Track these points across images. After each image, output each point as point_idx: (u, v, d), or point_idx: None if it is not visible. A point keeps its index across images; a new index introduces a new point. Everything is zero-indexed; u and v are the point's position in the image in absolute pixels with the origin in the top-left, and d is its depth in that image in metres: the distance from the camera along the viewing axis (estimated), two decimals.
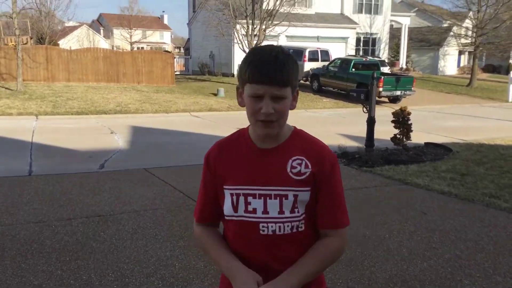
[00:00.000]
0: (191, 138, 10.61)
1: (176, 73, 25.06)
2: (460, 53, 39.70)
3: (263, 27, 20.65)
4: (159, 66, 22.17)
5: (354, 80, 18.16)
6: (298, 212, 1.47)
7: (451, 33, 33.78)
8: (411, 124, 8.36)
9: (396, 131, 8.47)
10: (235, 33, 21.28)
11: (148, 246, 4.20)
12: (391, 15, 31.73)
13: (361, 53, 29.31)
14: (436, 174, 7.04)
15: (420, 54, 37.44)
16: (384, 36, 31.50)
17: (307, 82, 21.43)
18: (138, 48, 52.69)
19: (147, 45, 61.32)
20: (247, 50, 20.56)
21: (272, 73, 1.40)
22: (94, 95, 17.00)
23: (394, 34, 33.70)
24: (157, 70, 22.15)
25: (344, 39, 28.88)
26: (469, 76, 29.05)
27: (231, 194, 1.50)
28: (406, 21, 32.83)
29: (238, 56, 24.75)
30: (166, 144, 9.81)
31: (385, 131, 9.07)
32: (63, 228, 4.63)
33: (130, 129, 11.64)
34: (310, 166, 1.48)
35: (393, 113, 8.42)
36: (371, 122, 8.64)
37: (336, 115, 15.47)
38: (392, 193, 6.14)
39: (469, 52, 39.98)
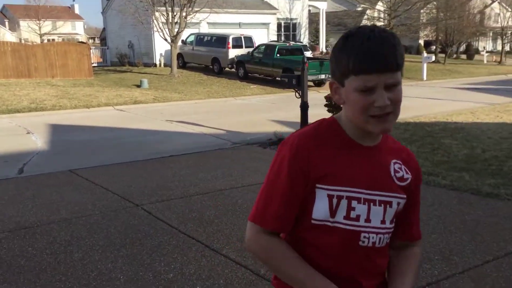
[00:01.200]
0: (118, 133, 9.99)
1: (93, 65, 23.69)
2: None
3: (184, 14, 20.03)
4: (74, 58, 20.78)
5: (280, 66, 18.18)
6: (393, 222, 1.33)
7: (365, 16, 35.07)
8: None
9: (329, 114, 8.47)
10: (154, 21, 20.45)
11: (86, 258, 3.77)
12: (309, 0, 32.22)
13: (282, 38, 29.52)
14: None
15: (338, 37, 38.37)
16: (303, 21, 31.94)
17: (233, 70, 21.18)
18: (49, 40, 49.40)
19: (59, 36, 57.70)
20: (168, 39, 19.90)
21: (384, 58, 1.17)
22: (4, 92, 15.57)
23: (313, 19, 34.30)
24: (72, 62, 20.75)
25: (266, 25, 28.89)
26: None
27: (330, 196, 1.24)
28: (323, 5, 33.50)
29: (159, 45, 23.89)
30: (90, 142, 9.14)
31: (316, 114, 9.00)
32: None
33: (49, 127, 10.74)
34: (409, 173, 1.34)
35: (325, 97, 8.42)
36: (304, 107, 8.60)
37: (266, 101, 15.40)
38: None
39: None
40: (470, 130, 9.24)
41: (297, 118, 8.81)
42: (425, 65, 23.42)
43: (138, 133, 9.92)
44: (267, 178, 1.29)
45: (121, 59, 26.64)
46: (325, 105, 8.40)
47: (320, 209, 1.24)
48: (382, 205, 1.27)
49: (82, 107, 13.81)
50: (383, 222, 1.27)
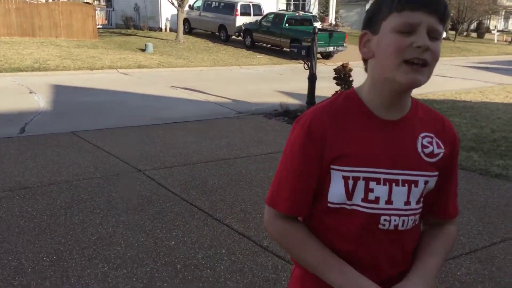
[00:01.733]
0: (121, 97, 9.85)
1: (98, 26, 23.31)
2: None
3: None
4: (79, 19, 20.43)
5: (288, 36, 17.84)
6: (421, 202, 1.20)
7: None
8: (352, 80, 8.23)
9: (337, 88, 8.31)
10: None
11: (86, 222, 3.71)
12: None
13: (292, 7, 28.92)
14: None
15: (348, 9, 37.75)
16: None
17: (240, 38, 20.82)
18: None
19: None
20: (175, 3, 19.49)
21: (434, 1, 1.05)
22: (8, 50, 15.34)
23: None
24: (77, 23, 20.41)
25: None
26: None
27: (346, 178, 1.13)
28: None
29: (166, 9, 23.43)
30: (93, 104, 9.01)
31: (323, 87, 8.91)
32: None
33: (52, 88, 10.60)
34: (442, 146, 1.19)
35: (334, 70, 8.24)
36: (312, 79, 8.44)
37: (272, 71, 15.16)
38: None
39: None
40: (479, 109, 9.08)
41: (304, 90, 8.65)
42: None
43: (141, 98, 9.77)
44: (281, 159, 1.20)
45: (126, 22, 26.20)
46: (334, 78, 8.23)
47: (336, 192, 1.15)
48: (406, 184, 1.15)
49: (85, 69, 13.62)
50: (407, 203, 1.16)
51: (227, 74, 14.29)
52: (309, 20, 19.52)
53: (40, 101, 9.07)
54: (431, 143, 1.18)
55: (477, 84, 13.17)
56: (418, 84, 1.07)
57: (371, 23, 1.12)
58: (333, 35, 17.63)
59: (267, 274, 3.01)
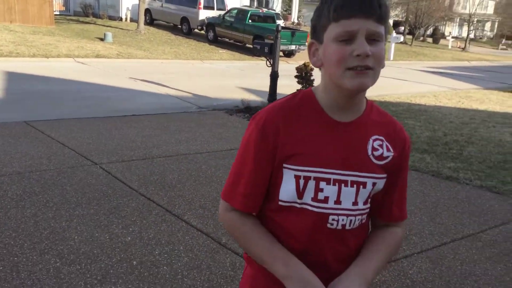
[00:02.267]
0: (77, 87, 9.55)
1: (55, 13, 22.51)
2: None
3: None
4: (35, 4, 19.63)
5: (251, 32, 17.84)
6: (369, 203, 1.24)
7: None
8: (313, 80, 8.33)
9: (299, 86, 8.39)
10: None
11: (39, 215, 3.58)
12: None
13: (255, 4, 28.94)
14: None
15: (310, 9, 38.14)
16: None
17: (202, 32, 20.64)
18: None
19: None
20: None
21: (366, 2, 1.06)
22: None
23: None
24: (33, 8, 19.61)
25: None
26: None
27: (297, 177, 1.16)
28: None
29: None
30: (48, 93, 8.70)
31: (284, 85, 8.99)
32: None
33: (4, 75, 10.16)
34: (391, 150, 1.22)
35: (296, 68, 8.32)
36: (274, 76, 8.48)
37: (234, 67, 15.13)
38: None
39: None
40: (433, 113, 9.41)
41: (266, 87, 8.69)
42: (393, 45, 23.61)
43: (99, 89, 9.52)
44: (237, 154, 1.23)
45: (85, 10, 25.42)
46: (296, 76, 8.30)
47: (287, 190, 1.17)
48: (355, 185, 1.18)
49: (41, 56, 13.13)
50: (355, 203, 1.19)
51: (188, 67, 14.15)
52: (272, 18, 19.59)
53: None
54: (381, 146, 1.20)
55: (431, 88, 13.63)
56: (365, 87, 1.11)
57: (315, 33, 1.15)
58: (296, 34, 17.78)
59: (224, 271, 3.01)
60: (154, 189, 4.29)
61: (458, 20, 46.98)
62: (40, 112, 7.06)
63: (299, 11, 34.88)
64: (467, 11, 39.95)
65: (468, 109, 10.41)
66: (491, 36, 52.94)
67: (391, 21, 42.45)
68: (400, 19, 40.18)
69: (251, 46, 15.65)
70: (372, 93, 11.66)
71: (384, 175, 1.21)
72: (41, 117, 6.71)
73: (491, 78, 18.73)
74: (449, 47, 37.19)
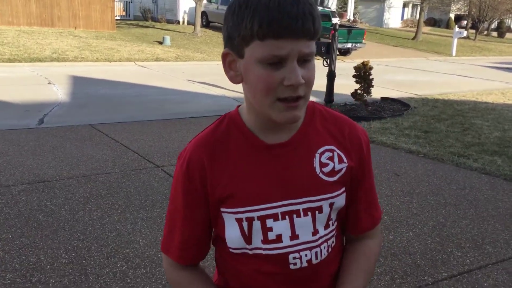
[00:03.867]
0: (138, 90, 9.85)
1: (116, 18, 23.42)
2: (404, 5, 40.02)
3: None
4: (97, 9, 20.52)
5: None
6: (332, 224, 1.06)
7: None
8: (372, 79, 8.10)
9: (357, 86, 8.19)
10: None
11: (105, 218, 3.69)
12: None
13: None
14: (400, 132, 6.88)
15: (367, 6, 37.33)
16: None
17: None
18: None
19: None
20: None
21: (301, 18, 0.85)
22: (27, 40, 15.47)
23: None
24: (95, 14, 20.51)
25: None
26: (412, 29, 29.43)
27: (239, 220, 0.99)
28: None
29: (184, 2, 23.44)
30: (111, 96, 9.02)
31: (341, 84, 8.82)
32: (1, 197, 3.99)
33: (70, 79, 10.65)
34: (345, 159, 1.03)
35: (354, 68, 8.10)
36: (331, 77, 8.34)
37: None
38: None
39: (413, 5, 40.46)
40: (502, 111, 8.88)
41: (322, 87, 8.55)
42: (455, 40, 22.66)
43: (159, 92, 9.76)
44: (169, 201, 1.08)
45: (144, 14, 26.26)
46: (354, 76, 8.10)
47: (232, 237, 1.01)
48: (309, 213, 1.00)
49: (103, 61, 13.67)
50: (315, 232, 1.01)
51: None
52: (327, 16, 19.35)
53: (58, 92, 9.11)
54: (331, 158, 1.01)
55: (498, 85, 12.90)
56: (296, 120, 0.95)
57: (231, 42, 0.92)
58: (352, 32, 17.44)
59: None
60: None
61: None
62: (104, 116, 7.32)
63: (355, 8, 34.23)
64: None
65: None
66: None
67: (452, 15, 40.75)
68: (463, 13, 38.45)
69: None
70: (435, 91, 11.24)
71: (342, 190, 1.03)
72: (105, 120, 6.95)
73: None
74: None
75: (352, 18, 32.33)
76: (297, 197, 0.99)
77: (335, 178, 1.01)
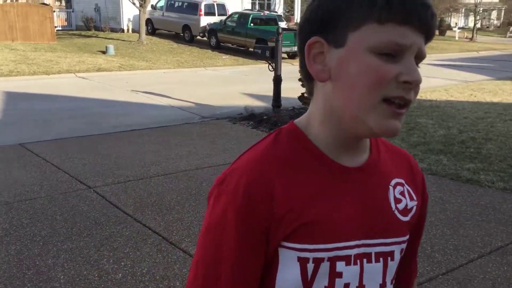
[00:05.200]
0: (77, 103, 9.31)
1: (57, 28, 22.46)
2: None
3: None
4: (36, 21, 19.56)
5: (254, 36, 17.55)
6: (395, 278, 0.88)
7: None
8: None
9: (303, 89, 8.05)
10: None
11: (24, 252, 3.29)
12: None
13: (257, 7, 28.66)
14: None
15: None
16: None
17: (205, 38, 20.39)
18: (11, 0, 46.71)
19: None
20: (137, 3, 18.90)
21: (427, 10, 0.70)
22: None
23: None
24: (34, 25, 19.54)
25: None
26: None
27: (303, 260, 0.75)
28: None
29: (128, 10, 22.76)
30: (47, 112, 8.46)
31: (289, 88, 8.66)
32: None
33: (2, 95, 9.96)
34: (414, 196, 0.86)
35: (299, 71, 7.95)
36: (278, 81, 8.16)
37: (238, 72, 14.83)
38: None
39: None
40: (445, 108, 9.00)
41: (270, 92, 8.39)
42: None
43: (100, 104, 9.27)
44: (202, 246, 0.79)
45: (87, 23, 25.37)
46: (299, 79, 7.95)
47: (287, 281, 0.77)
48: (381, 259, 0.80)
49: (41, 74, 12.95)
50: (383, 285, 0.81)
51: (191, 76, 13.87)
52: (274, 20, 19.28)
53: None
54: (403, 193, 0.84)
55: (441, 82, 13.20)
56: (396, 134, 0.74)
57: (327, 27, 0.73)
58: None
59: None
60: (150, 213, 3.98)
61: (463, 10, 46.27)
62: (36, 133, 6.80)
63: (302, 11, 34.54)
64: (472, 1, 39.30)
65: (481, 102, 9.97)
66: (498, 24, 52.06)
67: None
68: None
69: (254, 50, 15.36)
70: None
71: (408, 235, 0.85)
72: (37, 138, 6.45)
73: (502, 67, 18.21)
74: (456, 38, 36.53)
75: (299, 21, 32.63)
76: (373, 237, 0.79)
77: (408, 218, 0.84)
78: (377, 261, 0.80)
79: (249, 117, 7.97)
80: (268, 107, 8.48)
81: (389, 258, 0.81)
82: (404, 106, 0.73)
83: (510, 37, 42.70)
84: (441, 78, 14.25)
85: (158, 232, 3.63)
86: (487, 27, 49.08)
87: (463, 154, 5.91)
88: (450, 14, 42.94)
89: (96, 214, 3.94)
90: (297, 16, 32.79)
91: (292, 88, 8.50)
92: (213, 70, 15.25)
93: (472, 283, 2.96)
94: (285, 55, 18.21)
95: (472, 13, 41.30)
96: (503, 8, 50.33)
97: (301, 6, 33.81)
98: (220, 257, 0.76)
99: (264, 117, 7.84)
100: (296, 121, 0.83)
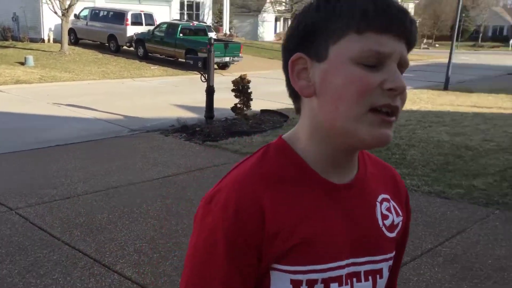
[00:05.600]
0: None
1: None
2: (277, 19, 41.78)
3: None
4: None
5: (183, 46, 17.36)
6: None
7: (268, 0, 35.25)
8: (251, 92, 8.03)
9: (236, 100, 8.06)
10: None
11: None
12: None
13: (185, 17, 28.51)
14: None
15: (241, 20, 38.27)
16: (207, 1, 31.15)
17: (131, 48, 19.88)
18: None
19: None
20: (59, 12, 18.07)
21: (405, 16, 0.71)
22: None
23: None
24: None
25: (168, 2, 27.62)
26: None
27: (296, 283, 0.72)
28: None
29: (49, 19, 21.68)
30: None
31: (221, 99, 8.66)
32: None
33: None
34: (400, 212, 0.85)
35: (233, 82, 7.97)
36: (210, 92, 8.11)
37: (167, 83, 14.57)
38: None
39: (284, 19, 42.43)
40: None
41: (203, 103, 8.31)
42: None
43: (18, 119, 8.69)
44: (190, 266, 0.75)
45: (4, 33, 23.84)
46: (232, 90, 7.95)
47: None
48: (370, 277, 0.79)
49: None
50: None
51: (118, 87, 13.43)
52: (203, 30, 19.25)
53: None
54: (389, 209, 0.83)
55: None
56: (387, 142, 0.72)
57: (308, 43, 0.73)
58: (229, 46, 17.53)
59: None
60: (80, 234, 3.75)
61: None
62: None
63: (230, 22, 34.82)
64: None
65: (402, 110, 10.50)
66: None
67: None
68: None
69: (183, 60, 15.20)
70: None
71: (394, 252, 0.84)
72: None
73: (418, 77, 19.33)
74: None
75: (228, 32, 32.82)
76: (361, 256, 0.78)
77: (394, 234, 0.83)
78: (366, 279, 0.78)
79: (182, 129, 7.84)
80: (201, 118, 8.39)
81: (377, 276, 0.80)
82: (392, 114, 0.71)
83: (424, 48, 45.72)
84: None
85: (89, 254, 3.41)
86: None
87: (389, 160, 6.17)
88: None
89: (20, 238, 3.64)
90: (226, 27, 33.02)
91: (225, 99, 8.50)
92: (142, 81, 14.88)
93: (407, 285, 3.06)
94: (215, 66, 18.23)
95: None
96: (418, 21, 53.75)
97: (230, 17, 34.11)
98: (209, 277, 0.73)
99: (197, 129, 7.74)
100: (284, 136, 0.81)
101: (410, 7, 52.66)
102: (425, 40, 50.08)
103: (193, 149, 6.66)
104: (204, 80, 8.20)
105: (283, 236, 0.72)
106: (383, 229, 0.81)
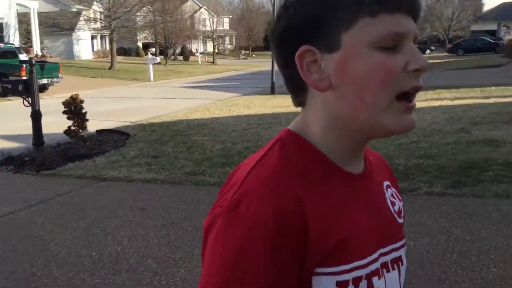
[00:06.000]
0: None
1: None
2: (93, 37, 39.92)
3: None
4: None
5: None
6: None
7: (82, 17, 33.53)
8: (86, 113, 7.42)
9: (69, 122, 7.36)
10: None
11: None
12: None
13: None
14: (129, 162, 6.47)
15: (54, 39, 35.60)
16: (12, 21, 28.22)
17: None
18: None
19: None
20: None
21: None
22: None
23: (22, 19, 30.66)
24: None
25: None
26: (105, 59, 29.63)
27: (342, 284, 0.65)
28: (34, 5, 30.23)
29: None
30: None
31: (49, 123, 7.88)
32: None
33: None
34: (399, 196, 0.84)
35: (63, 103, 7.25)
36: (37, 116, 7.28)
37: None
38: (95, 194, 5.19)
39: (101, 36, 40.81)
40: (213, 125, 9.52)
41: (28, 130, 7.39)
42: (151, 66, 23.79)
43: None
44: (219, 283, 0.62)
45: None
46: (64, 112, 7.23)
47: None
48: (395, 266, 0.76)
49: None
50: None
51: None
52: (13, 52, 17.39)
53: None
54: (393, 196, 0.81)
55: (201, 102, 13.99)
56: (413, 127, 0.68)
57: (313, 33, 0.67)
58: (45, 67, 16.10)
59: None
60: None
61: (201, 37, 50.54)
62: None
63: (41, 42, 32.07)
64: (209, 29, 43.25)
65: (240, 115, 10.91)
66: (232, 48, 58.71)
67: (140, 44, 42.90)
68: (150, 41, 40.98)
69: None
70: (148, 115, 11.26)
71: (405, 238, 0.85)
72: None
73: (245, 85, 20.47)
74: (199, 62, 39.61)
75: (40, 53, 30.16)
76: (385, 245, 0.74)
77: (402, 220, 0.81)
78: (393, 269, 0.75)
79: (7, 161, 6.86)
80: (28, 147, 7.45)
81: (400, 263, 0.77)
82: (414, 96, 0.68)
83: (243, 58, 48.62)
84: (199, 99, 15.11)
85: None
86: (223, 51, 54.74)
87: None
88: (191, 41, 46.25)
89: None
90: (37, 47, 30.32)
91: (52, 123, 7.75)
92: None
93: None
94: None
95: (209, 39, 45.41)
96: (234, 34, 57.01)
97: (40, 37, 31.41)
98: None
99: (26, 159, 6.85)
100: (294, 129, 0.73)
101: (225, 22, 55.67)
102: (243, 51, 53.26)
103: (27, 181, 5.87)
104: (28, 105, 7.32)
105: (325, 236, 0.65)
106: (395, 215, 0.79)
